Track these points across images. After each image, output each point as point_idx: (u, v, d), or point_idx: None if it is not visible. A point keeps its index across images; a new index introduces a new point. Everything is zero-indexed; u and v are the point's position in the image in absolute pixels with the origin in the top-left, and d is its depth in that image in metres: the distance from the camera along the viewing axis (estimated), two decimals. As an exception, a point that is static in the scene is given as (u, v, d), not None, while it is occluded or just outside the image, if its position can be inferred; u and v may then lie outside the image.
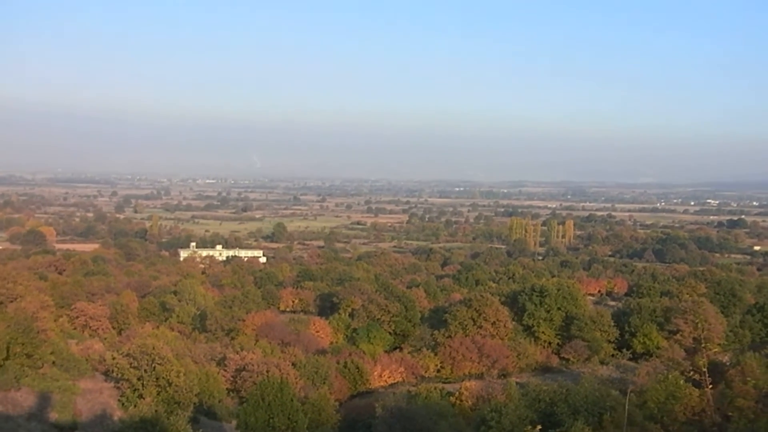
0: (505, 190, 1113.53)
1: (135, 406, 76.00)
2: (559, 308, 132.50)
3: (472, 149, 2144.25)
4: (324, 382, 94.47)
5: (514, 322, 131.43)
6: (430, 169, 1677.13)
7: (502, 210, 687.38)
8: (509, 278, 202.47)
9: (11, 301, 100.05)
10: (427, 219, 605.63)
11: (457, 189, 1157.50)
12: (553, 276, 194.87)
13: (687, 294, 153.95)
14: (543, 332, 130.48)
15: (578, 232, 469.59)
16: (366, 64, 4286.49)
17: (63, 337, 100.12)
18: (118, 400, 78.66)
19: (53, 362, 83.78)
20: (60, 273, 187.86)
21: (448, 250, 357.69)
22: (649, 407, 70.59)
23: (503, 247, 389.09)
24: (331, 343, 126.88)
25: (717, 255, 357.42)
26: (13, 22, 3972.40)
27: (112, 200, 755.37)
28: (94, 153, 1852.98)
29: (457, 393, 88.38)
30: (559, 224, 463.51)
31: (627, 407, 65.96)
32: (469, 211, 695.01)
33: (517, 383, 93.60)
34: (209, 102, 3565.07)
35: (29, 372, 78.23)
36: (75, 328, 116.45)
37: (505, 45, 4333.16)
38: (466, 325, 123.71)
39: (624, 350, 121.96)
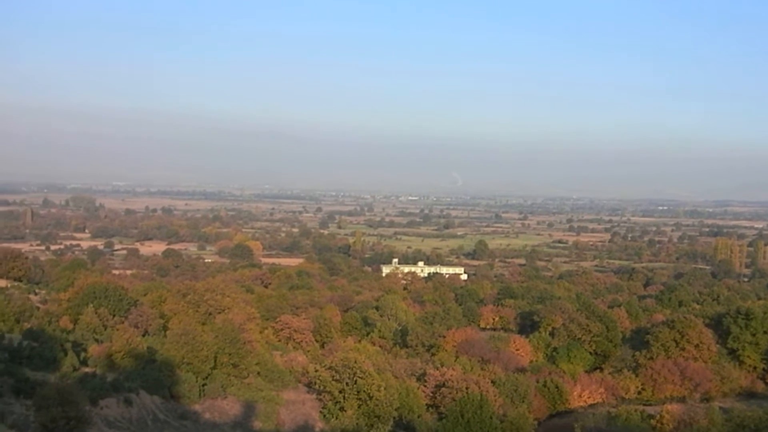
0: (710, 210, 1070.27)
1: (336, 418, 76.92)
2: (765, 332, 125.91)
3: (675, 169, 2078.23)
4: (523, 401, 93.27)
5: (717, 345, 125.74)
6: (633, 187, 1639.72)
7: (707, 230, 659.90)
8: (713, 300, 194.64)
9: (219, 313, 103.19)
10: (629, 238, 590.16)
11: (661, 208, 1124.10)
12: (759, 298, 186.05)
13: None
14: (748, 356, 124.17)
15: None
16: (567, 82, 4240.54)
17: (268, 348, 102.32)
18: (320, 412, 79.63)
19: (258, 373, 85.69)
20: (266, 286, 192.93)
21: (651, 270, 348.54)
22: None
23: (707, 267, 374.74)
24: (531, 361, 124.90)
25: None
26: (216, 44, 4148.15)
27: (316, 216, 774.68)
28: (300, 170, 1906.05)
29: (658, 416, 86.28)
30: (766, 245, 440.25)
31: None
32: (672, 230, 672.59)
33: (720, 408, 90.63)
34: (411, 120, 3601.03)
35: (235, 381, 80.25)
36: (279, 340, 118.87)
37: (711, 65, 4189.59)
38: (668, 347, 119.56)
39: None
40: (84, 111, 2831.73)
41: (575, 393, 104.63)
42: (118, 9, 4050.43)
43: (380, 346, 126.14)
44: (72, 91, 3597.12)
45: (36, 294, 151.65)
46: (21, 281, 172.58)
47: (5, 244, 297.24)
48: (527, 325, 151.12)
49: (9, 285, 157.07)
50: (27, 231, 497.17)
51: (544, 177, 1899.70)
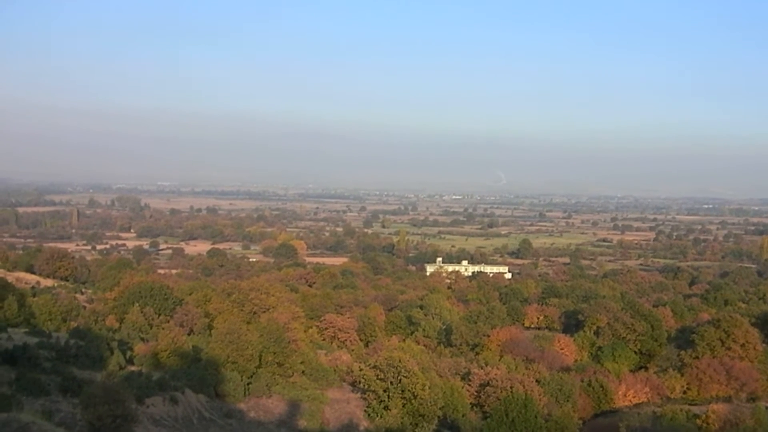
0: (756, 208, 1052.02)
1: (381, 417, 76.75)
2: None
3: (720, 166, 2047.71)
4: (568, 400, 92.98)
5: (764, 345, 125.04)
6: (678, 186, 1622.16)
7: (753, 228, 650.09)
8: (759, 299, 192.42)
9: (264, 312, 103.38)
10: (674, 237, 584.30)
11: (706, 206, 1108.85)
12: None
13: None
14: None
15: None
16: (613, 81, 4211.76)
17: (312, 347, 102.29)
18: (365, 411, 79.48)
19: (303, 371, 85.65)
20: (310, 285, 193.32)
21: (696, 269, 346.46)
22: None
23: (753, 266, 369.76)
24: (576, 360, 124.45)
25: None
26: (261, 45, 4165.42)
27: (360, 215, 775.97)
28: (344, 170, 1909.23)
29: (704, 416, 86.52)
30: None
31: None
32: (718, 229, 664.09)
33: (766, 408, 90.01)
34: (454, 119, 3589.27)
35: (280, 380, 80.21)
36: (324, 339, 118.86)
37: (757, 62, 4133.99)
38: (713, 346, 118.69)
39: None
40: (127, 113, 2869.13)
41: (620, 392, 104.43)
42: (159, 9, 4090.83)
43: (425, 345, 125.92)
44: (116, 94, 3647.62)
45: (82, 293, 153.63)
46: (67, 281, 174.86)
47: (52, 244, 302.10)
48: (572, 324, 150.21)
49: (56, 284, 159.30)
50: (73, 231, 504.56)
51: (588, 176, 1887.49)
